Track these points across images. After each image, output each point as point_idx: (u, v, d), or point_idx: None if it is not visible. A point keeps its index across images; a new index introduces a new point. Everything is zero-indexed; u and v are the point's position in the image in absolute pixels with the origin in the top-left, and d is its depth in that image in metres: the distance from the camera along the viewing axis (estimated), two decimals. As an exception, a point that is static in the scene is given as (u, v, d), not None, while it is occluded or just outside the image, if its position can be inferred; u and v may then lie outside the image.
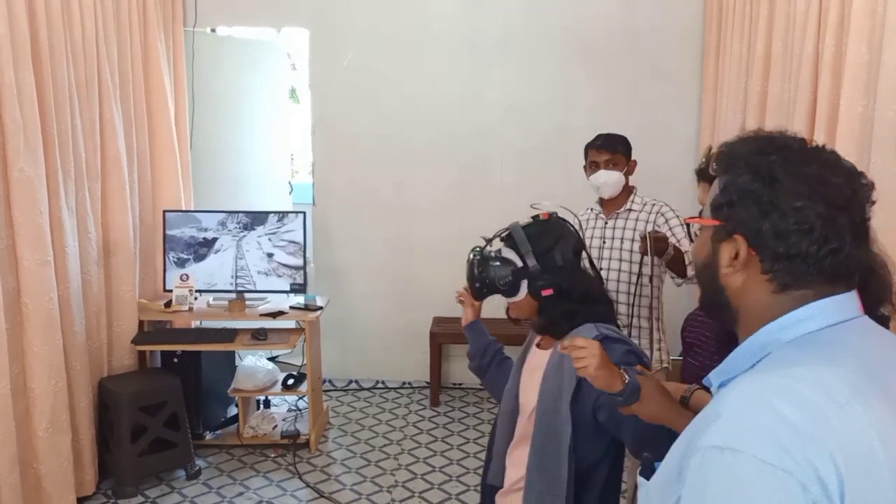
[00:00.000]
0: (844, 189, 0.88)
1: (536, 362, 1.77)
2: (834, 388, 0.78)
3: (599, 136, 2.90)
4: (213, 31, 4.60)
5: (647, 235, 2.56)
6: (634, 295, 2.76)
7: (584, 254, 1.76)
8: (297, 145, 7.10)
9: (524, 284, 1.66)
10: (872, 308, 1.00)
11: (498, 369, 1.99)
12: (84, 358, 3.21)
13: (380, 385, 4.70)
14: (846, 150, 2.52)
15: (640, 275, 2.73)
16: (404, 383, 4.71)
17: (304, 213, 3.86)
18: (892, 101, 2.32)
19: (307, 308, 3.80)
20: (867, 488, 0.74)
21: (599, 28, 4.34)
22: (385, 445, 3.86)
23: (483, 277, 1.68)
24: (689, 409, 1.37)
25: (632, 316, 2.78)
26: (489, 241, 1.73)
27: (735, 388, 0.84)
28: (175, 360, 3.69)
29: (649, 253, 2.57)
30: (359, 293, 4.65)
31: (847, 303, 0.90)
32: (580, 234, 1.75)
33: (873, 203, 0.99)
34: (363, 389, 4.65)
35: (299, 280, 3.81)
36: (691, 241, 1.03)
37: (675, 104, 4.33)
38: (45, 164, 2.92)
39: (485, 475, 1.93)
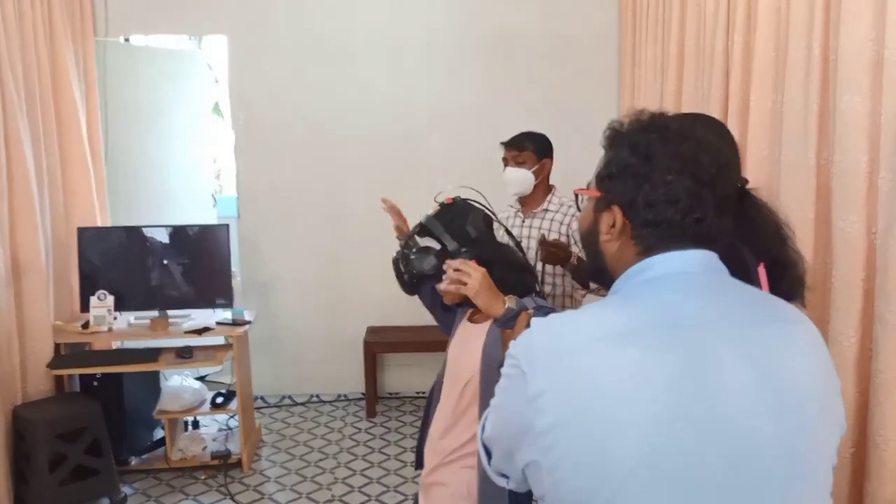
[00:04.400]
0: (711, 167, 0.96)
1: (469, 334, 1.79)
2: (598, 328, 0.91)
3: (516, 135, 2.93)
4: (126, 40, 4.45)
5: (542, 240, 2.60)
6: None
7: (503, 230, 1.87)
8: (223, 160, 6.95)
9: None
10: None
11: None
12: (-7, 385, 3.03)
13: (314, 399, 4.60)
14: (758, 143, 2.60)
15: (542, 283, 2.76)
16: (340, 396, 4.62)
17: (228, 225, 3.76)
18: (799, 96, 2.39)
19: (235, 323, 3.69)
20: (575, 416, 0.86)
21: (521, 35, 4.39)
22: (321, 460, 3.77)
23: (411, 271, 1.76)
24: None
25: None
26: (406, 238, 1.79)
27: None
28: (95, 383, 3.53)
29: (543, 260, 2.61)
30: (289, 306, 4.55)
31: (690, 258, 0.96)
32: (487, 207, 1.85)
33: (743, 182, 1.13)
34: (297, 405, 4.54)
35: (225, 294, 3.69)
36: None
37: (594, 107, 4.40)
38: (-56, 182, 2.75)
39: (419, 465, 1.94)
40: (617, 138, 1.03)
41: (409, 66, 4.41)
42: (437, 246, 1.75)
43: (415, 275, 1.75)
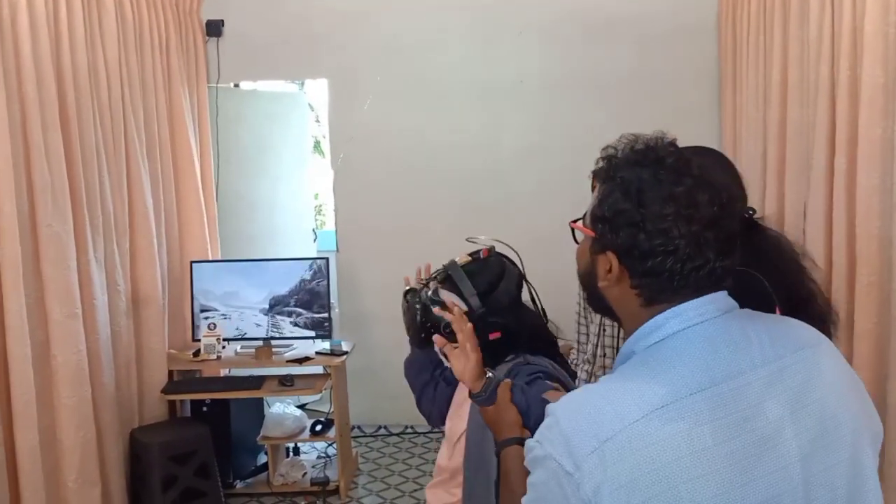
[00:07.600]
0: (710, 207, 0.91)
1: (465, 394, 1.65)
2: (637, 405, 0.85)
3: None
4: (236, 86, 4.74)
5: None
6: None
7: (531, 293, 1.65)
8: (323, 196, 7.23)
9: None
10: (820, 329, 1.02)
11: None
12: (113, 409, 3.24)
13: (409, 430, 4.65)
14: (868, 173, 2.48)
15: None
16: (433, 428, 4.64)
17: (328, 258, 3.90)
18: (911, 122, 2.29)
19: (333, 353, 3.81)
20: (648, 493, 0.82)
21: (614, 69, 4.35)
22: (415, 491, 3.80)
23: (426, 325, 1.52)
24: None
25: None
26: (426, 283, 1.59)
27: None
28: (204, 408, 3.71)
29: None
30: (385, 337, 4.63)
31: (703, 306, 0.92)
32: (520, 266, 1.63)
33: (750, 212, 1.12)
34: (392, 435, 4.60)
35: (325, 325, 3.83)
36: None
37: (693, 137, 4.27)
38: (74, 219, 3.00)
39: None
40: (609, 171, 0.97)
41: (499, 106, 4.46)
42: (462, 306, 1.49)
43: (430, 331, 1.48)
